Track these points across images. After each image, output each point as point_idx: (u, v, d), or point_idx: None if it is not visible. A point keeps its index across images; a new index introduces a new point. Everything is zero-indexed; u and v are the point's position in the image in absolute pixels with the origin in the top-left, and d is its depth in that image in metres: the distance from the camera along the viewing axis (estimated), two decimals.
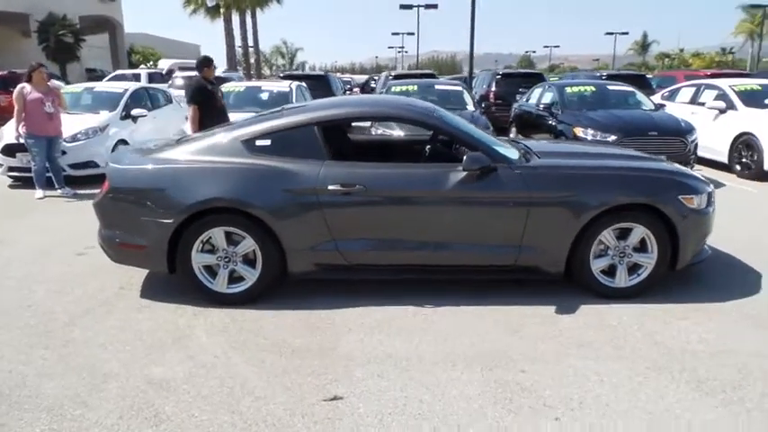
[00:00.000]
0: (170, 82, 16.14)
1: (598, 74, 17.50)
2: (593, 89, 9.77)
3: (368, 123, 6.89)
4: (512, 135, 10.72)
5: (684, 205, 3.84)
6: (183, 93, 13.97)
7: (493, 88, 14.94)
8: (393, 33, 54.91)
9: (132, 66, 34.06)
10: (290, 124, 3.92)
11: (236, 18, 30.59)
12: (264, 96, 9.40)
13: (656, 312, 3.72)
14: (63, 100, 7.47)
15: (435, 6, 32.61)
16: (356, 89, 25.61)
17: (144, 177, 3.84)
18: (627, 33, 62.76)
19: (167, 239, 3.71)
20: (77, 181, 7.76)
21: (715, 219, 4.17)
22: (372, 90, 22.23)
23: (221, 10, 29.64)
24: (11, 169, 7.89)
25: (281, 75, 17.36)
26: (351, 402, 2.77)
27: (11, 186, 7.97)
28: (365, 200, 3.72)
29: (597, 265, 3.89)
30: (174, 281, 4.02)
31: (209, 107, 6.53)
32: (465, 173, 3.73)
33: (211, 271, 3.84)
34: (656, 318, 3.65)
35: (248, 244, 3.75)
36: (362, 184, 3.70)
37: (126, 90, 9.30)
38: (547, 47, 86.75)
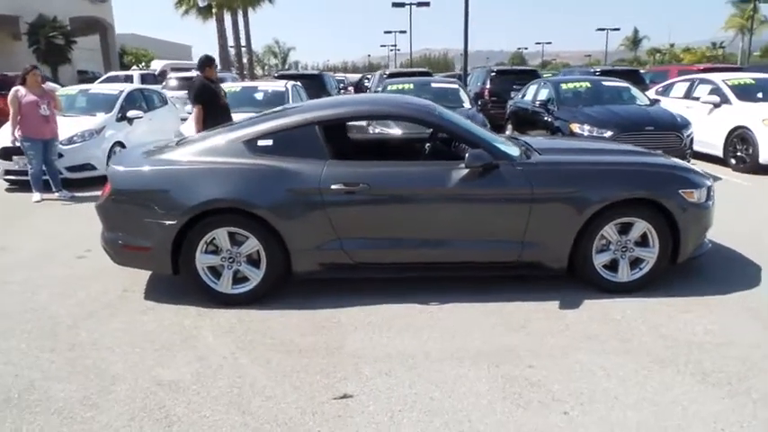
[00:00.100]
0: (164, 83, 16.08)
1: (592, 70, 17.57)
2: (589, 85, 9.82)
3: (364, 122, 6.91)
4: (508, 132, 10.76)
5: (685, 199, 3.88)
6: (177, 94, 14.02)
7: (487, 85, 14.99)
8: (385, 32, 54.89)
9: (124, 67, 33.86)
10: (291, 124, 3.92)
11: (227, 18, 30.47)
12: (260, 96, 9.40)
13: (660, 306, 3.76)
14: (58, 102, 7.44)
15: (427, 4, 32.60)
16: (350, 88, 25.59)
17: (146, 179, 3.83)
18: (618, 29, 62.94)
19: (171, 241, 3.70)
20: (75, 183, 7.74)
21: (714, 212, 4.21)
22: (366, 89, 22.24)
23: (213, 10, 29.51)
24: (7, 173, 7.86)
25: (276, 74, 17.34)
26: (361, 400, 2.78)
27: (8, 190, 7.93)
28: (369, 198, 3.73)
29: (600, 260, 3.92)
30: (178, 282, 4.02)
31: (212, 106, 6.54)
32: (467, 170, 3.75)
33: (215, 272, 3.84)
34: (660, 311, 3.68)
35: (252, 244, 3.76)
36: (366, 183, 3.71)
37: (121, 92, 9.27)
38: (539, 43, 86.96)
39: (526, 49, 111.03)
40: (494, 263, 3.95)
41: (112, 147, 8.26)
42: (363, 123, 7.18)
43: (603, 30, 58.89)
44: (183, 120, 9.69)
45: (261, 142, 3.85)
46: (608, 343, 3.30)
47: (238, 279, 3.85)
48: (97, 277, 4.43)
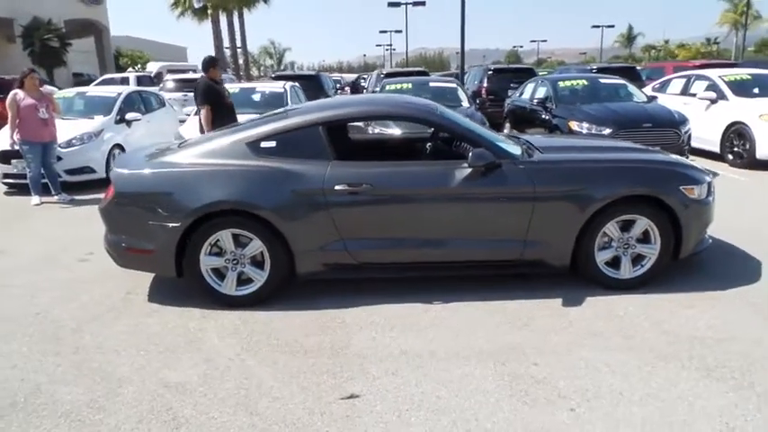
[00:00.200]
0: (161, 85, 16.05)
1: (588, 67, 17.61)
2: (586, 83, 9.85)
3: (361, 123, 6.92)
4: (506, 130, 10.78)
5: (686, 196, 3.90)
6: (175, 96, 14.00)
7: (485, 84, 15.02)
8: (381, 31, 54.81)
9: (120, 69, 33.80)
10: (294, 125, 3.93)
11: (223, 19, 30.45)
12: (259, 97, 9.38)
13: (662, 302, 3.78)
14: (57, 105, 7.42)
15: (423, 3, 32.59)
16: (347, 88, 25.57)
17: (150, 182, 3.83)
18: (613, 26, 63.14)
19: (175, 243, 3.71)
20: (74, 187, 7.73)
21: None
22: (363, 89, 22.22)
23: (209, 11, 29.47)
24: (6, 176, 7.84)
25: (273, 75, 17.34)
26: (368, 400, 2.79)
27: (6, 194, 7.90)
28: (372, 199, 3.74)
29: (602, 258, 3.94)
30: (181, 284, 4.02)
31: (218, 107, 6.58)
32: (470, 169, 3.76)
33: (219, 273, 3.85)
34: (662, 307, 3.71)
35: (256, 246, 3.76)
36: (369, 184, 3.72)
37: (119, 94, 9.26)
38: (534, 41, 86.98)
39: (521, 47, 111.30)
40: (497, 261, 3.96)
41: (111, 149, 8.25)
42: (361, 124, 7.19)
43: (598, 27, 58.99)
44: (182, 122, 9.67)
45: (264, 144, 3.85)
46: (612, 339, 3.32)
47: (242, 281, 3.86)
48: (100, 280, 4.42)
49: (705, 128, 9.15)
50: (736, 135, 8.72)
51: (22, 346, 3.41)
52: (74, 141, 7.90)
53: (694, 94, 9.78)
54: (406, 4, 32.96)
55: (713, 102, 9.30)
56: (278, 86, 9.83)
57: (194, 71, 25.65)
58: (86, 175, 7.94)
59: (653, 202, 3.87)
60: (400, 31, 45.37)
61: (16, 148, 7.08)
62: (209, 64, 6.84)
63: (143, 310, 3.88)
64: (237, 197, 3.70)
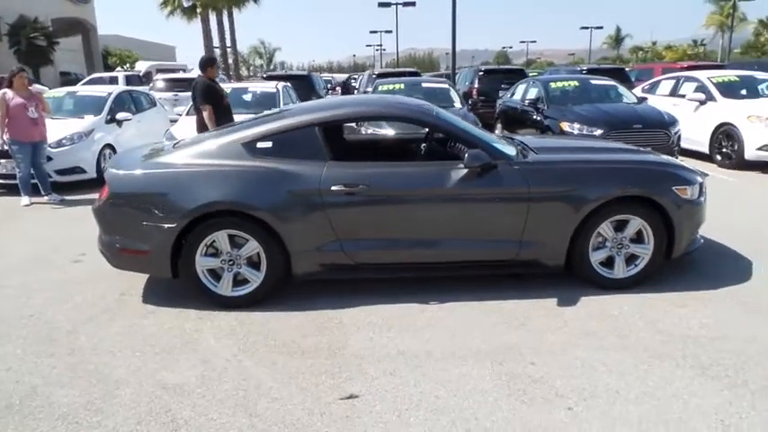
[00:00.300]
0: (151, 84, 15.94)
1: (578, 68, 17.74)
2: (577, 84, 9.93)
3: (354, 123, 6.93)
4: (497, 131, 10.83)
5: (678, 196, 3.95)
6: (165, 95, 13.90)
7: (476, 85, 15.08)
8: (371, 31, 54.79)
9: (109, 68, 33.49)
10: (290, 126, 3.92)
11: (212, 18, 30.29)
12: (251, 98, 9.36)
13: (655, 301, 3.82)
14: (46, 105, 7.34)
15: (413, 4, 32.60)
16: (338, 88, 25.54)
17: (145, 182, 3.81)
18: (602, 28, 63.57)
19: (171, 244, 3.69)
20: (64, 187, 7.66)
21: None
22: (353, 89, 22.20)
23: (198, 10, 29.30)
24: None
25: (264, 75, 17.28)
26: (367, 400, 2.80)
27: None
28: (369, 199, 3.75)
29: (596, 257, 3.98)
30: (176, 285, 4.00)
31: (217, 107, 6.57)
32: (466, 170, 3.78)
33: (215, 274, 3.83)
34: (656, 306, 3.75)
35: (252, 246, 3.75)
36: (365, 184, 3.72)
37: (110, 94, 9.19)
38: (523, 42, 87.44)
39: (511, 47, 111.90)
40: (492, 262, 3.98)
41: (102, 149, 8.19)
42: (354, 124, 7.19)
43: (587, 28, 59.40)
44: (173, 121, 9.61)
45: (260, 144, 3.84)
46: (606, 339, 3.35)
47: (238, 281, 3.85)
48: (93, 281, 4.39)
49: (694, 129, 9.26)
50: (725, 136, 8.83)
51: (17, 348, 3.38)
52: (64, 141, 7.82)
53: (683, 96, 9.89)
54: (397, 4, 32.97)
55: (702, 103, 9.41)
56: (270, 87, 9.81)
57: (184, 70, 25.49)
58: (77, 175, 7.87)
59: (646, 202, 3.91)
60: (390, 32, 45.43)
61: (5, 148, 7.00)
62: (207, 63, 6.82)
63: (138, 312, 3.85)
64: (233, 198, 3.69)
